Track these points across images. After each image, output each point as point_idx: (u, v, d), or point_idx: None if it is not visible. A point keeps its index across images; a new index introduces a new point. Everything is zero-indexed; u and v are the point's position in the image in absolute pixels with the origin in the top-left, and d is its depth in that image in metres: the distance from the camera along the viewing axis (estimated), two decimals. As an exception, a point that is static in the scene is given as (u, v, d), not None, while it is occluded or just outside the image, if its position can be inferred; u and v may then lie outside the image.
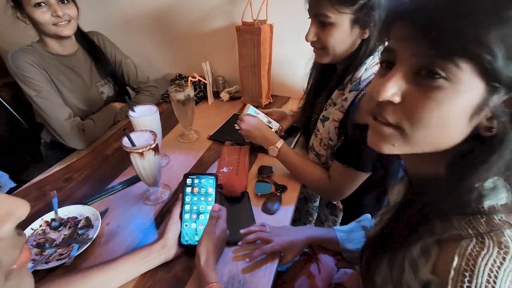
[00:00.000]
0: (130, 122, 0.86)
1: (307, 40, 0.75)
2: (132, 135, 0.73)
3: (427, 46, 0.32)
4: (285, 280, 0.75)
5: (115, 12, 1.44)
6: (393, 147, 0.38)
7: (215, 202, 0.70)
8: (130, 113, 0.85)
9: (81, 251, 0.67)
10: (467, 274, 0.32)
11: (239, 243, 0.68)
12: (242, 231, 0.70)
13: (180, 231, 0.67)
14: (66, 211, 0.78)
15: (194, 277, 0.63)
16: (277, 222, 0.76)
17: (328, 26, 0.70)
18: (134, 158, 0.72)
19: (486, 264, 0.31)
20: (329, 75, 0.87)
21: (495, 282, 0.30)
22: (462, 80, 0.32)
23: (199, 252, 0.60)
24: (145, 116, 0.84)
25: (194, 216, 0.69)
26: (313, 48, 0.78)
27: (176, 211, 0.68)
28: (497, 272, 0.31)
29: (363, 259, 0.49)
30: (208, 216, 0.68)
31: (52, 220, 0.77)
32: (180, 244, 0.66)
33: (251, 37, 1.17)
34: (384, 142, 0.38)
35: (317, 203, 1.04)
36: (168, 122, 1.18)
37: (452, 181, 0.36)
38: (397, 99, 0.36)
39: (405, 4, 0.35)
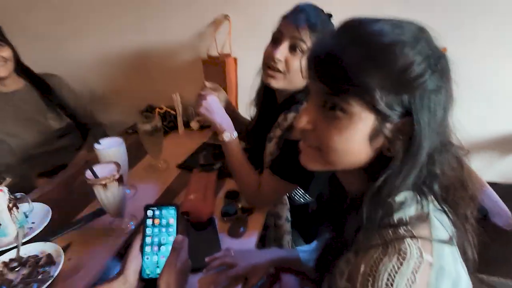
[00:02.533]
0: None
1: (275, 57, 0.77)
2: (96, 167, 0.74)
3: (323, 85, 0.40)
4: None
5: (89, 49, 1.49)
6: (317, 164, 0.46)
7: (177, 232, 0.70)
8: (96, 145, 0.87)
9: (40, 289, 0.65)
10: (370, 278, 0.36)
11: (204, 270, 0.69)
12: (207, 259, 0.71)
13: (141, 265, 0.65)
14: (26, 250, 0.76)
15: None
16: (243, 244, 0.78)
17: (298, 53, 0.77)
18: (98, 190, 0.73)
19: (385, 269, 0.36)
20: (270, 107, 0.94)
21: (392, 285, 0.35)
22: (354, 112, 0.39)
23: (159, 284, 0.59)
24: (110, 148, 0.86)
25: (156, 248, 0.67)
26: (268, 69, 0.81)
27: (136, 244, 0.65)
28: (394, 276, 0.35)
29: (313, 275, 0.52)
30: (169, 247, 0.66)
31: (11, 260, 0.74)
32: (141, 278, 0.64)
33: (217, 69, 1.24)
34: (309, 160, 0.46)
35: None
36: (137, 153, 1.19)
37: (368, 197, 0.41)
38: (309, 127, 0.43)
39: (311, 50, 0.43)
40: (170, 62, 1.42)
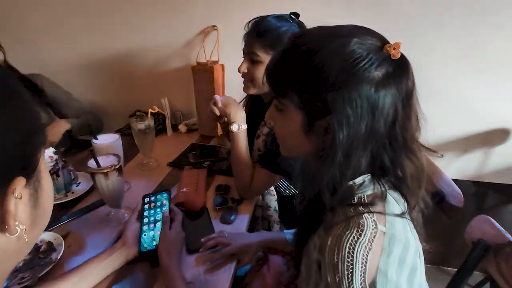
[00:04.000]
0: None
1: (239, 71, 0.93)
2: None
3: (271, 90, 0.52)
4: (243, 285, 0.83)
5: (77, 53, 1.53)
6: (283, 151, 0.58)
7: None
8: (93, 140, 0.92)
9: (44, 272, 0.68)
10: (336, 249, 0.42)
11: (200, 250, 0.76)
12: (202, 239, 0.77)
13: (140, 240, 0.73)
14: (25, 239, 0.79)
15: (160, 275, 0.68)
16: (234, 230, 0.85)
17: (257, 63, 0.90)
18: (99, 179, 0.78)
19: (347, 240, 0.42)
20: (258, 111, 1.03)
21: (353, 252, 0.41)
22: (288, 110, 0.49)
23: (160, 252, 0.67)
24: (108, 143, 0.91)
25: (152, 225, 0.78)
26: (243, 80, 0.96)
27: (134, 214, 0.76)
28: (354, 245, 0.41)
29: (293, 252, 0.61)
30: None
31: (8, 249, 0.77)
32: (140, 252, 0.72)
33: (205, 75, 1.33)
34: (280, 147, 0.58)
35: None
36: (128, 153, 1.23)
37: (314, 176, 0.51)
38: (271, 121, 0.56)
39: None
40: (159, 68, 1.49)
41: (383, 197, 0.47)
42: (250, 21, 0.93)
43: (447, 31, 1.24)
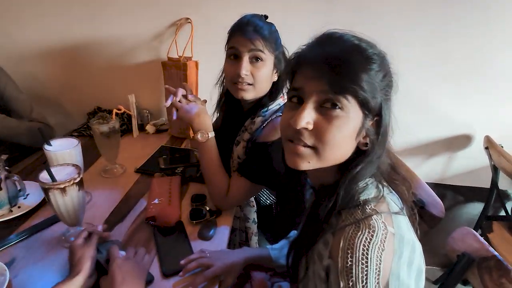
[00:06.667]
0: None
1: (242, 73, 0.80)
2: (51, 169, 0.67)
3: (326, 84, 0.45)
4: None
5: (24, 40, 1.32)
6: (308, 164, 0.49)
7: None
8: (46, 147, 0.78)
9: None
10: (349, 251, 0.42)
11: (180, 274, 0.67)
12: (182, 262, 0.69)
13: None
14: (-46, 269, 0.64)
15: None
16: (214, 246, 0.77)
17: (260, 63, 0.81)
18: (54, 196, 0.65)
19: (360, 242, 0.42)
20: (235, 115, 0.97)
21: (367, 253, 0.41)
22: (350, 110, 0.46)
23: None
24: (64, 150, 0.78)
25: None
26: (236, 85, 0.83)
27: (81, 236, 0.64)
28: (368, 246, 0.42)
29: (288, 263, 0.57)
30: None
31: None
32: None
33: (177, 72, 1.22)
34: (302, 160, 0.49)
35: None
36: (87, 157, 1.08)
37: (344, 184, 0.48)
38: (310, 127, 0.47)
39: (310, 52, 0.49)
40: (123, 61, 1.34)
41: (384, 198, 0.49)
42: (244, 18, 0.84)
43: (416, 38, 1.27)
